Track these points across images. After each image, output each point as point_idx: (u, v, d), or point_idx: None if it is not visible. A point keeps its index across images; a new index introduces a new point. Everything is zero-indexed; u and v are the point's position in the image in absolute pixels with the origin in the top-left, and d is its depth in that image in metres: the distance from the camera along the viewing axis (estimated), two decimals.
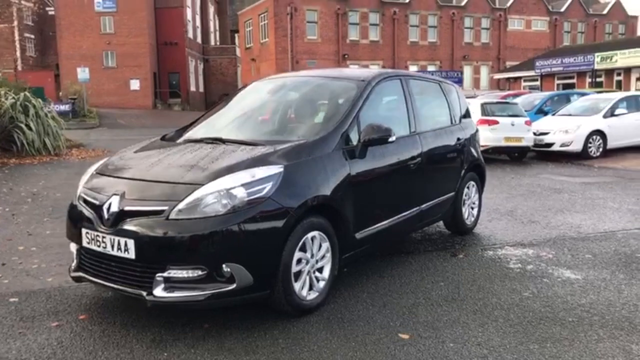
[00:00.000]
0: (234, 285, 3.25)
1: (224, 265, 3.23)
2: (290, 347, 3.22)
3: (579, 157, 13.02)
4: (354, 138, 4.07)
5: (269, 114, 4.59)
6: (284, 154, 3.63)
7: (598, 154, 13.24)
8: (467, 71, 42.07)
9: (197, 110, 48.62)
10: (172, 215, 3.23)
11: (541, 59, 30.57)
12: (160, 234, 3.22)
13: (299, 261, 3.55)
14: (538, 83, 29.83)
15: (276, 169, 3.46)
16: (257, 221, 3.30)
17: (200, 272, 3.22)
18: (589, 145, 13.16)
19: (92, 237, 3.46)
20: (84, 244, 3.54)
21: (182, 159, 3.71)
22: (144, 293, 3.27)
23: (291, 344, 3.27)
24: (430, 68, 40.56)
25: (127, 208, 3.35)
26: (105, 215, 3.41)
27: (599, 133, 13.28)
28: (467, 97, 7.29)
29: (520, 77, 32.89)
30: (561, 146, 13.10)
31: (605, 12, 48.38)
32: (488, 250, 5.26)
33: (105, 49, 44.95)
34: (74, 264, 3.76)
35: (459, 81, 29.98)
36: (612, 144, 13.43)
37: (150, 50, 46.05)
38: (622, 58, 24.94)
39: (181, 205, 3.24)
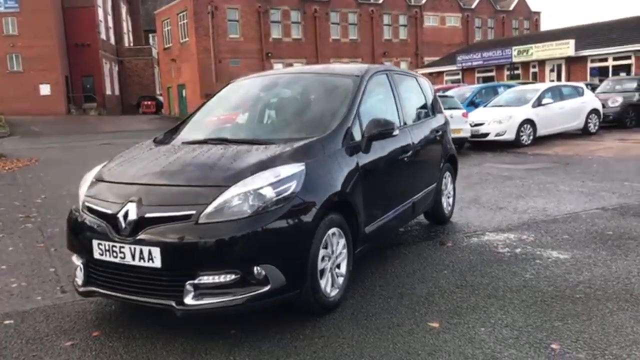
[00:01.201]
0: (269, 287, 3.18)
1: (257, 267, 3.15)
2: (330, 345, 3.19)
3: (513, 146, 13.72)
4: (357, 133, 4.09)
5: (265, 111, 4.50)
6: (301, 151, 3.58)
7: (529, 141, 14.00)
8: None
9: (115, 114, 46.80)
10: (202, 220, 3.11)
11: (462, 54, 31.93)
12: (190, 240, 3.08)
13: (322, 259, 3.52)
14: (459, 77, 31.14)
15: (299, 167, 3.41)
16: (286, 220, 3.24)
17: (234, 276, 3.12)
18: (521, 133, 13.89)
19: (107, 248, 3.26)
20: (96, 255, 3.32)
21: (196, 161, 3.57)
22: (173, 303, 3.13)
23: (328, 341, 3.24)
24: None
25: (148, 215, 3.18)
26: (122, 224, 3.22)
27: (529, 122, 14.05)
28: None
29: (442, 72, 34.18)
30: (496, 136, 13.75)
31: (511, 8, 51.15)
32: (472, 237, 5.44)
33: (9, 52, 42.30)
34: (80, 279, 3.53)
35: None
36: (541, 131, 14.26)
37: (60, 52, 43.76)
38: (537, 51, 26.53)
39: (210, 209, 3.12)
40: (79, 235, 3.51)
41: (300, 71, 5.02)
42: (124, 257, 3.20)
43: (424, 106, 5.68)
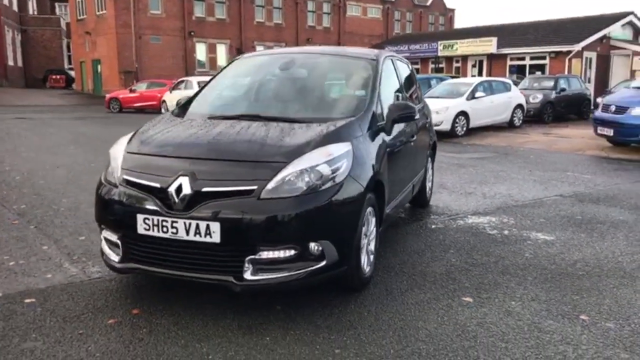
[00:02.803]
0: (324, 262, 3.23)
1: (315, 243, 3.18)
2: (381, 318, 3.30)
3: (448, 136, 14.35)
4: (379, 115, 4.18)
5: (287, 90, 4.45)
6: (345, 131, 3.62)
7: (463, 132, 14.72)
8: None
9: (18, 87, 43.55)
10: (263, 195, 3.09)
11: (389, 45, 32.68)
12: (253, 215, 3.06)
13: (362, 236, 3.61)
14: None
15: (347, 146, 3.46)
16: (341, 197, 3.28)
17: (293, 252, 3.14)
18: (456, 124, 14.57)
19: (155, 222, 3.15)
20: (140, 231, 3.20)
21: (242, 136, 3.50)
22: (232, 278, 3.10)
23: (378, 315, 3.34)
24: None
25: (205, 189, 3.10)
26: (175, 199, 3.13)
27: (464, 114, 14.76)
28: None
29: None
30: (434, 126, 14.28)
31: (428, 4, 52.88)
32: (458, 220, 5.72)
33: None
34: (115, 255, 3.39)
35: None
36: (473, 123, 15.03)
37: None
38: (462, 47, 27.78)
39: (271, 184, 3.11)
40: (116, 210, 3.35)
41: (313, 51, 5.00)
42: (176, 232, 3.11)
43: (416, 92, 5.86)
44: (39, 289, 3.65)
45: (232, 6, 39.44)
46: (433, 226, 5.47)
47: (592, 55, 24.94)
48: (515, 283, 3.94)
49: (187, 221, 3.09)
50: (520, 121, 16.92)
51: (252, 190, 3.09)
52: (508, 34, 27.44)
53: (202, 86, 4.70)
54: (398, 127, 4.45)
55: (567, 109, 19.16)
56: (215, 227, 3.05)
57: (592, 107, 19.76)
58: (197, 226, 3.07)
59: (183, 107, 4.39)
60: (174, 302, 3.47)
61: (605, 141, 12.33)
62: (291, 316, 3.30)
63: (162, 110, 23.02)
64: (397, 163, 4.42)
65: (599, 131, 11.79)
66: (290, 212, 3.10)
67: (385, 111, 4.24)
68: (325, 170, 3.25)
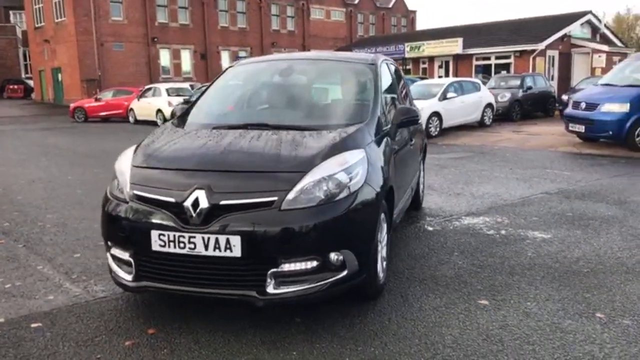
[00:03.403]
0: (345, 272, 3.18)
1: (336, 253, 3.13)
2: (404, 326, 3.26)
3: None
4: (383, 120, 4.16)
5: (289, 97, 4.38)
6: (357, 138, 3.59)
7: (436, 133, 14.85)
8: None
9: None
10: (284, 206, 3.02)
11: (357, 47, 32.84)
12: (275, 227, 2.98)
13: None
14: None
15: (361, 153, 3.42)
16: (359, 205, 3.24)
17: (316, 263, 3.08)
18: (430, 125, 14.69)
19: (172, 238, 3.04)
20: (155, 247, 3.08)
21: (255, 146, 3.42)
22: (254, 292, 3.02)
23: (401, 323, 3.31)
24: (242, 54, 40.71)
25: (223, 202, 3.02)
26: (192, 213, 3.03)
27: (437, 114, 14.90)
28: None
29: None
30: None
31: (390, 6, 53.46)
32: (454, 222, 5.75)
33: None
34: (128, 274, 3.26)
35: None
36: (446, 123, 15.19)
37: None
38: (428, 48, 28.12)
39: (291, 195, 3.04)
40: (127, 227, 3.23)
41: (310, 57, 4.95)
42: (194, 248, 3.01)
43: (408, 95, 5.87)
44: (43, 312, 3.49)
45: (196, 11, 38.99)
46: (431, 229, 5.47)
47: (555, 53, 25.58)
48: (526, 283, 3.97)
49: (206, 236, 2.99)
50: (491, 120, 17.20)
51: (273, 202, 3.02)
52: (473, 34, 27.92)
53: (199, 95, 4.59)
54: (400, 131, 4.44)
55: (533, 107, 19.59)
56: (236, 240, 2.97)
57: (557, 104, 20.26)
58: (217, 240, 2.98)
59: (181, 118, 4.28)
60: (189, 319, 3.36)
61: (574, 137, 12.63)
62: (313, 329, 3.24)
63: (130, 119, 22.56)
64: (400, 167, 4.41)
65: (570, 128, 12.05)
66: (312, 222, 3.04)
67: (388, 115, 4.23)
68: (343, 178, 3.20)
